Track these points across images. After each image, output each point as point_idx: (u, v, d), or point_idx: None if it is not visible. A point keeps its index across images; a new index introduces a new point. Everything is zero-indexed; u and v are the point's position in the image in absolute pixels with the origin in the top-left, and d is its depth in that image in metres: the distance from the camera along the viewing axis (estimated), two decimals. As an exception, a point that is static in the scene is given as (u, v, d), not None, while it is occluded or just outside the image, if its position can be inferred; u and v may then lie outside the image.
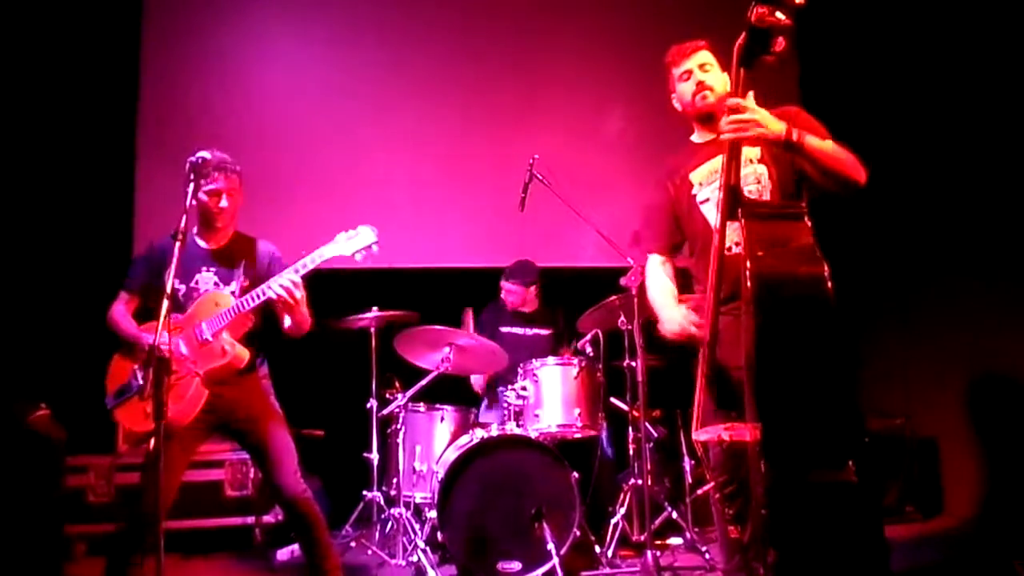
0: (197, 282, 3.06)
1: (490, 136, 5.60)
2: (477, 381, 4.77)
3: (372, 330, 4.35)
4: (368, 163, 5.49)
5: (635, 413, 3.99)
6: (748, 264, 2.12)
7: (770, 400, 2.08)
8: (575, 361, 4.11)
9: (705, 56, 2.72)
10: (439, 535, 3.66)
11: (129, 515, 2.93)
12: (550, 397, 4.06)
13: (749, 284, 2.10)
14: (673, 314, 2.62)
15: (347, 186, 5.41)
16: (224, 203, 3.05)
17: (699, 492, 2.42)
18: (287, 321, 3.02)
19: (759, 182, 2.53)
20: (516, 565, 3.63)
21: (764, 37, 2.18)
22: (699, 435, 2.40)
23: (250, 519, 4.55)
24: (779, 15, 2.15)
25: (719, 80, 2.68)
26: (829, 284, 2.10)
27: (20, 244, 4.96)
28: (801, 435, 2.06)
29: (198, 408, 2.93)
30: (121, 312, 3.09)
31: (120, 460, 4.53)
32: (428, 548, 3.81)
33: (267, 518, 4.58)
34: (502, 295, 4.86)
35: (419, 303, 4.58)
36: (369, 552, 4.08)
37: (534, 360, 4.17)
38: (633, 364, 3.95)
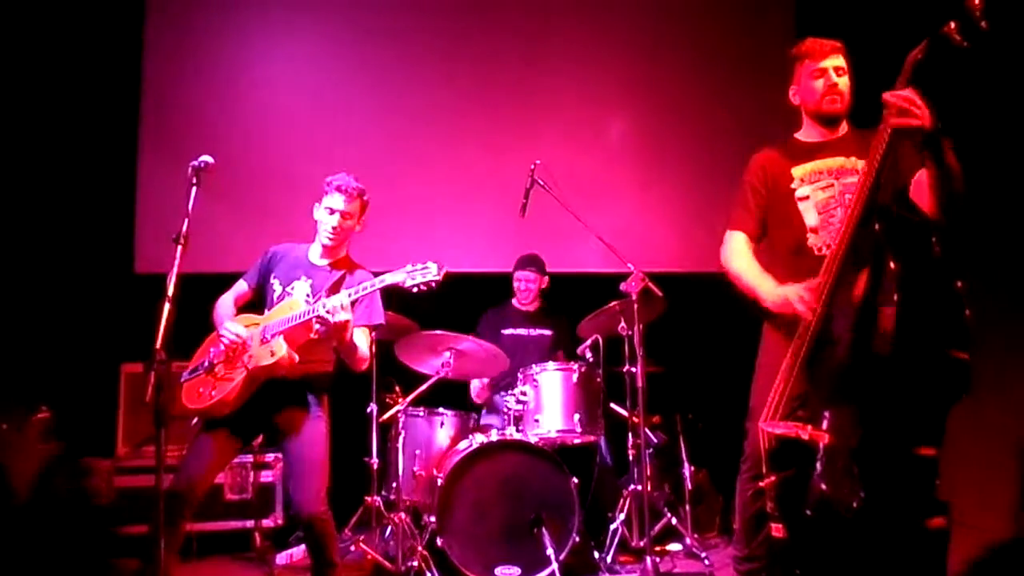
0: (293, 288, 3.19)
1: (491, 141, 5.61)
2: (476, 390, 4.74)
3: (372, 335, 4.35)
4: (368, 167, 5.45)
5: (635, 419, 3.99)
6: (890, 270, 2.12)
7: (883, 406, 2.11)
8: (575, 366, 4.12)
9: (841, 59, 2.71)
10: (438, 540, 3.66)
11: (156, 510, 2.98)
12: (550, 402, 4.06)
13: (894, 294, 2.10)
14: (781, 289, 2.52)
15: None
16: (336, 222, 3.19)
17: (761, 484, 2.39)
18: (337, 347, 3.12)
19: None
20: (515, 570, 3.64)
21: (940, 53, 2.19)
22: (773, 427, 2.35)
23: (250, 523, 4.55)
24: (963, 38, 2.16)
25: (847, 89, 2.70)
26: (966, 305, 2.11)
27: (23, 248, 4.97)
28: (901, 446, 2.10)
29: (242, 400, 3.01)
30: (224, 299, 3.29)
31: (120, 463, 4.53)
32: (428, 553, 3.81)
33: (266, 522, 4.58)
34: (517, 286, 4.86)
35: (419, 307, 4.57)
36: (369, 557, 4.08)
37: (534, 365, 4.18)
38: (633, 370, 3.95)
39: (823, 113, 2.71)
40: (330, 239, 3.23)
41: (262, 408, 3.09)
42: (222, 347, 3.08)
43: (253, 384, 3.03)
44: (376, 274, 3.05)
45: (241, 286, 3.34)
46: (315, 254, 3.30)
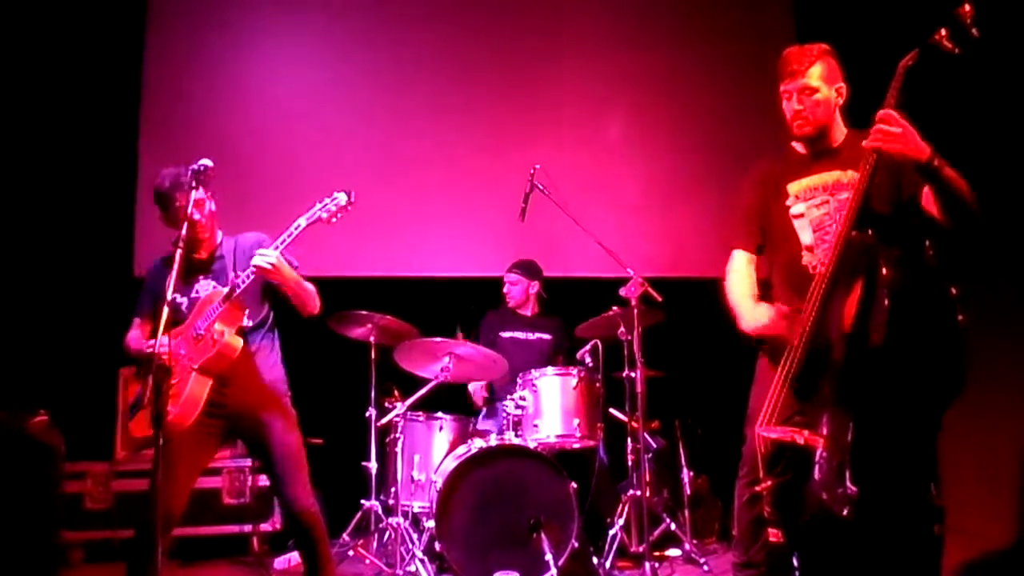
0: (197, 291, 3.09)
1: (491, 145, 5.61)
2: (476, 391, 4.75)
3: (371, 339, 4.35)
4: (369, 171, 5.49)
5: (634, 424, 3.99)
6: (882, 276, 2.12)
7: (878, 412, 2.10)
8: (574, 371, 4.11)
9: (812, 76, 2.57)
10: (437, 545, 3.65)
11: (138, 522, 2.95)
12: (549, 407, 4.06)
13: (885, 300, 2.11)
14: (757, 312, 2.57)
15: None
16: (199, 216, 3.03)
17: (757, 489, 2.39)
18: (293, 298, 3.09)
19: None
20: (514, 575, 3.63)
21: (932, 60, 2.19)
22: (768, 432, 2.32)
23: (247, 527, 4.55)
24: (954, 45, 2.17)
25: (818, 108, 2.59)
26: (960, 310, 2.11)
27: (20, 251, 4.97)
28: (896, 451, 2.11)
29: (199, 406, 2.90)
30: (133, 335, 3.15)
31: (118, 467, 4.53)
32: (426, 558, 3.80)
33: (264, 526, 4.58)
34: (504, 289, 4.88)
35: (419, 312, 4.58)
36: (367, 561, 4.07)
37: (533, 370, 4.18)
38: (632, 375, 3.95)
39: (795, 137, 2.68)
40: (205, 234, 3.11)
41: (226, 414, 3.02)
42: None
43: (205, 381, 2.91)
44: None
45: (137, 321, 3.19)
46: (194, 252, 3.13)
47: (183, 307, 3.05)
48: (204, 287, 3.09)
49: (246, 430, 3.08)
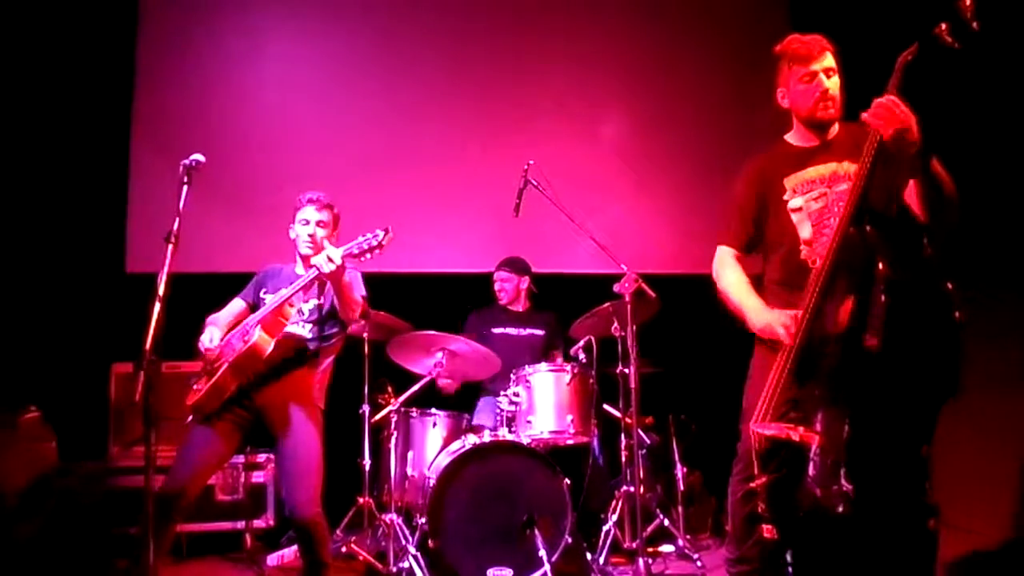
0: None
1: (485, 141, 5.60)
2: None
3: (364, 335, 4.34)
4: (362, 167, 5.48)
5: (627, 420, 3.99)
6: (879, 273, 2.12)
7: (874, 408, 2.11)
8: (568, 367, 4.11)
9: (831, 59, 2.60)
10: (430, 542, 3.65)
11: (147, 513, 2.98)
12: (543, 403, 4.06)
13: (881, 296, 2.11)
14: (767, 314, 2.52)
15: (340, 189, 5.36)
16: (311, 231, 3.34)
17: (752, 485, 2.39)
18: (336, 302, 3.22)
19: None
20: (507, 572, 3.63)
21: (931, 54, 2.19)
22: (764, 429, 2.31)
23: (241, 524, 4.54)
24: (954, 39, 2.17)
25: (839, 91, 2.62)
26: (957, 307, 2.11)
27: (13, 248, 4.94)
28: (891, 448, 2.12)
29: (224, 397, 3.09)
30: (220, 313, 3.39)
31: (111, 463, 4.50)
32: (419, 554, 3.80)
33: (258, 523, 4.56)
34: (495, 287, 4.90)
35: (413, 308, 4.57)
36: (360, 558, 4.07)
37: (527, 366, 4.17)
38: (626, 371, 3.94)
39: (816, 120, 2.64)
40: (309, 248, 3.33)
41: (255, 407, 3.16)
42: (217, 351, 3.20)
43: (235, 375, 3.08)
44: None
45: (239, 304, 3.44)
46: (299, 268, 3.41)
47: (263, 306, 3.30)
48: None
49: (267, 427, 3.19)
